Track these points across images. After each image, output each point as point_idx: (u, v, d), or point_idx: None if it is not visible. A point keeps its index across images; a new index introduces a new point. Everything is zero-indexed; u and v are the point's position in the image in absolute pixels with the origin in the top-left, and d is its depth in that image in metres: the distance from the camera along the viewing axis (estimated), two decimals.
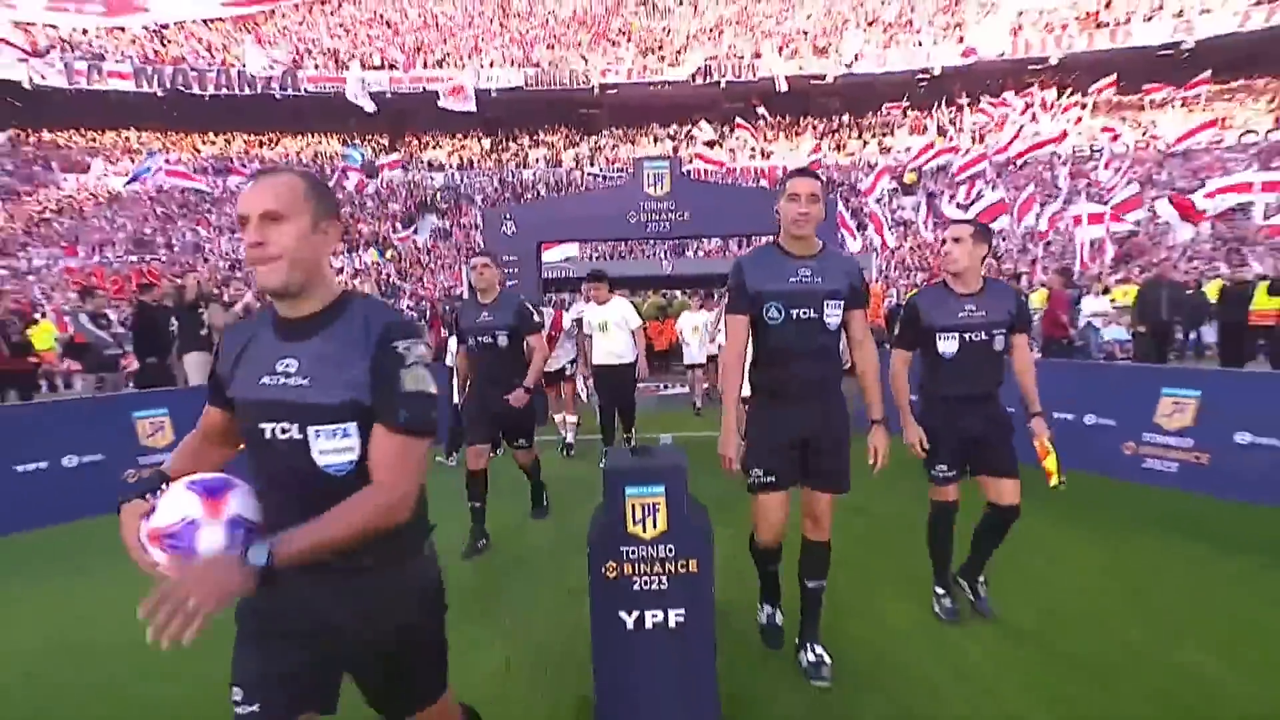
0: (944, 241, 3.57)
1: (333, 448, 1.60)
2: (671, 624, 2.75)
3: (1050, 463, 3.64)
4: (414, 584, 1.77)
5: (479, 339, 4.95)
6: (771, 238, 3.22)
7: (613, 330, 7.19)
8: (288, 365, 1.62)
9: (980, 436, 3.52)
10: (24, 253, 27.84)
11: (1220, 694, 2.95)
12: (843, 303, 3.02)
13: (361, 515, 1.53)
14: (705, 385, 11.18)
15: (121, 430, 6.51)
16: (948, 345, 3.51)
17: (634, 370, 7.39)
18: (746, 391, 3.37)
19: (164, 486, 1.68)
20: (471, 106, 34.01)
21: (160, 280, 11.98)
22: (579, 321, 7.92)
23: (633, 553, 2.71)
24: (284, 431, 1.60)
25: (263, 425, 1.62)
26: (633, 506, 2.69)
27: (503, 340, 4.92)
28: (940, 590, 3.73)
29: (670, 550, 2.71)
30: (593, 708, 2.83)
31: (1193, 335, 14.11)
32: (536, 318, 5.15)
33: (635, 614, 2.75)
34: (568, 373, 8.61)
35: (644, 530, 2.70)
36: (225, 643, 1.66)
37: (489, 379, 5.00)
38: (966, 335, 3.48)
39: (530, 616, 3.96)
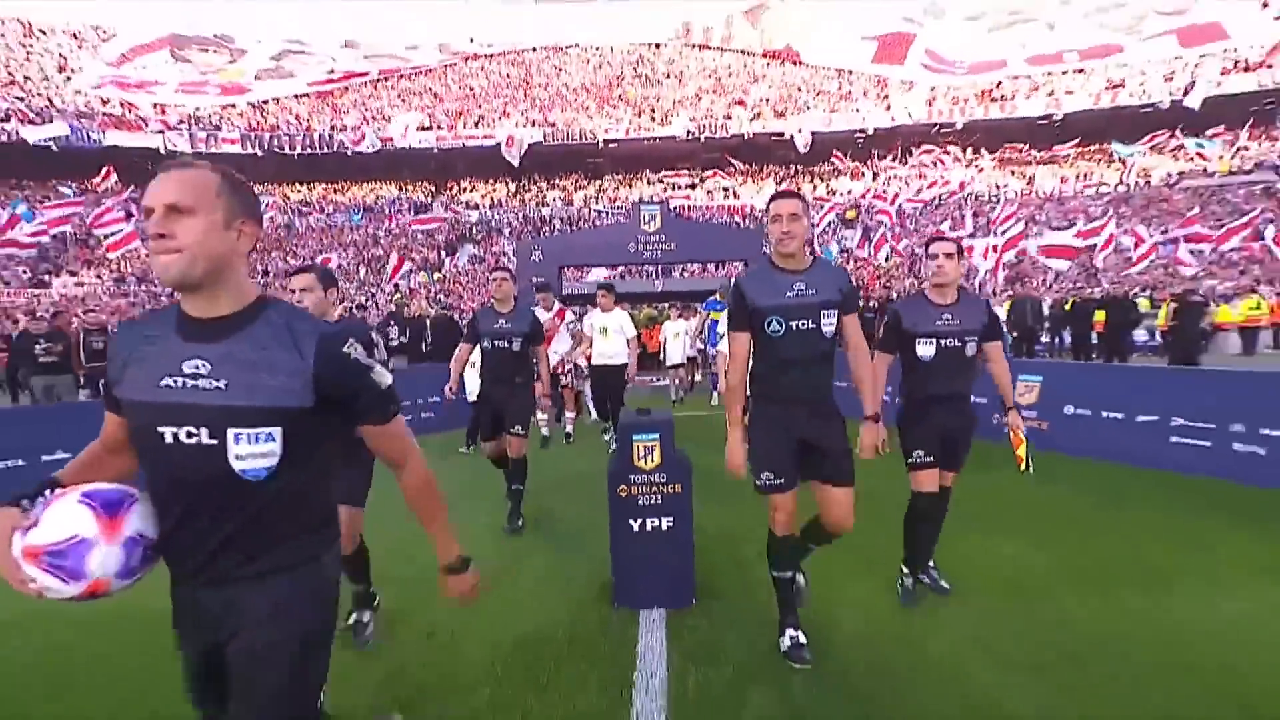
0: (935, 256, 3.19)
1: (252, 452, 1.24)
2: (664, 528, 3.26)
3: (1022, 450, 3.49)
4: (327, 579, 1.42)
5: (495, 342, 4.55)
6: (765, 257, 2.95)
7: (611, 335, 6.94)
8: (197, 366, 1.25)
9: (951, 432, 3.22)
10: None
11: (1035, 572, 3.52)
12: (837, 310, 2.67)
13: (430, 488, 1.47)
14: (679, 381, 10.91)
15: None
16: (925, 350, 3.20)
17: (625, 371, 7.06)
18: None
19: (48, 494, 1.25)
20: (517, 158, 34.98)
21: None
22: (579, 320, 7.75)
23: (637, 479, 3.24)
24: (190, 436, 1.23)
25: (161, 429, 1.24)
26: (638, 448, 3.22)
27: (516, 346, 4.55)
28: (905, 571, 3.38)
29: (663, 477, 3.23)
30: (610, 586, 3.34)
31: (1058, 339, 14.57)
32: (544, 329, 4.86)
33: (639, 521, 3.24)
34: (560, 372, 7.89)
35: (645, 464, 3.24)
36: None
37: (497, 379, 4.61)
38: (942, 341, 3.17)
39: (566, 534, 4.53)
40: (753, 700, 2.48)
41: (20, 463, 5.29)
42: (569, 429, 8.09)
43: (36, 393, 8.76)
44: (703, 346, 10.87)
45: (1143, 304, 15.15)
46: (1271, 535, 3.96)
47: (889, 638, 2.94)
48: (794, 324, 2.62)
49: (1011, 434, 3.40)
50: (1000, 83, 37.73)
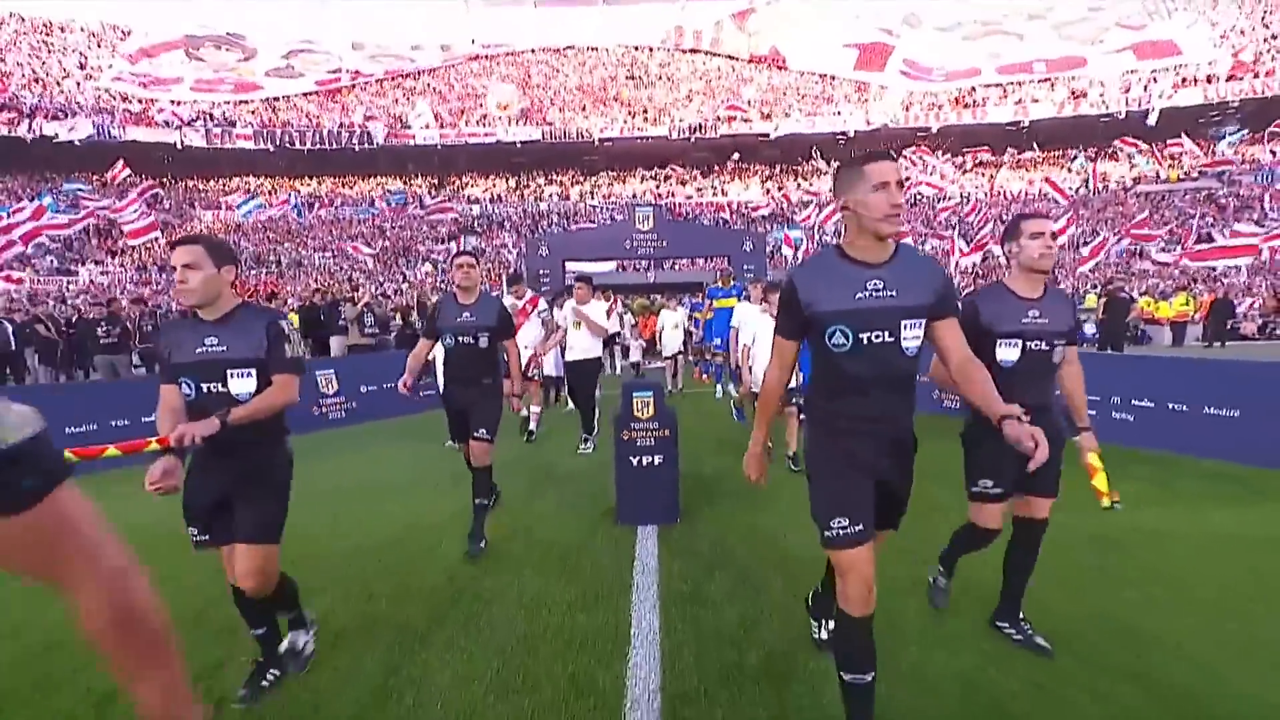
0: (1039, 236, 2.43)
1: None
2: (656, 463, 4.15)
3: (1100, 481, 2.57)
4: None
5: (458, 338, 3.75)
6: (832, 241, 2.25)
7: (584, 328, 6.33)
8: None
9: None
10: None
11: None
12: (923, 320, 1.91)
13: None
14: (676, 370, 10.65)
15: (308, 382, 7.80)
16: (1008, 353, 2.46)
17: (598, 365, 6.56)
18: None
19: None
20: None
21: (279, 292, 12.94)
22: (549, 311, 7.17)
23: (636, 426, 4.12)
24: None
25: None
26: (636, 401, 4.10)
27: (483, 341, 3.76)
28: (941, 569, 2.95)
29: (655, 424, 4.12)
30: (614, 511, 4.25)
31: None
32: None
33: (637, 459, 4.12)
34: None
35: (642, 415, 4.12)
36: None
37: (460, 378, 3.84)
38: (1029, 344, 2.45)
39: (572, 478, 5.44)
40: (717, 581, 3.37)
41: (94, 426, 6.09)
42: (534, 425, 7.21)
43: (101, 370, 9.55)
44: (691, 330, 10.85)
45: (1089, 301, 16.15)
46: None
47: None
48: (866, 336, 1.88)
49: (1086, 462, 2.60)
50: (973, 89, 38.70)
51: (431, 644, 2.73)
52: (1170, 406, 5.72)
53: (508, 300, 6.80)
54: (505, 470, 5.50)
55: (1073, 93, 36.35)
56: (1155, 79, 35.00)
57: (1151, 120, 32.04)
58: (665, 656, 2.59)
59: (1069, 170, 34.20)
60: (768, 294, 5.02)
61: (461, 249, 6.60)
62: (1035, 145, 35.08)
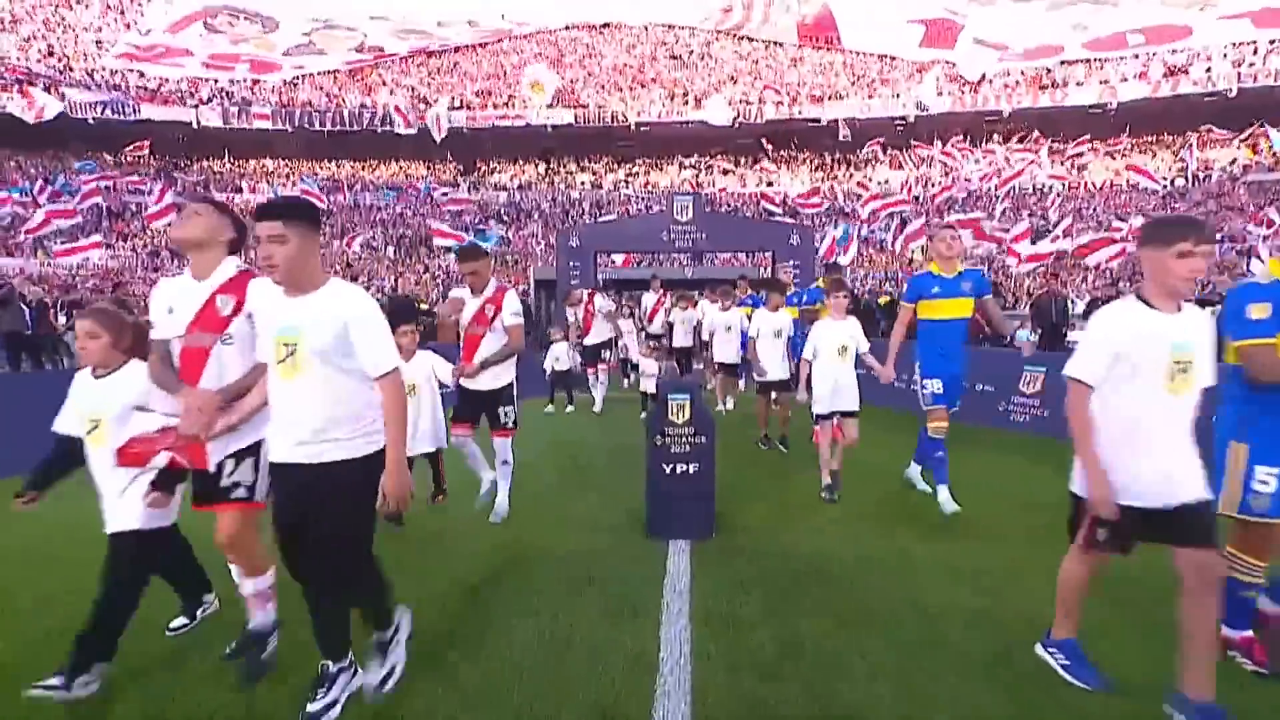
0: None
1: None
2: (690, 472, 4.14)
3: None
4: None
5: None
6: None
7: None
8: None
9: None
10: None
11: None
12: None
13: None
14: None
15: None
16: None
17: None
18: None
19: None
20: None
21: None
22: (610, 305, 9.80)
23: (670, 431, 4.11)
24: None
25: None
26: (672, 405, 4.08)
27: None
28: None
29: (691, 430, 4.10)
30: (645, 518, 4.23)
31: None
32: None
33: (671, 466, 4.11)
34: (603, 354, 9.72)
35: (678, 419, 4.10)
36: None
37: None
38: None
39: (609, 481, 5.45)
40: (753, 602, 3.33)
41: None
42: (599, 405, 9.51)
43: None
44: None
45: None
46: None
47: (872, 560, 3.78)
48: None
49: None
50: (1050, 69, 37.54)
51: (441, 663, 2.73)
52: None
53: (569, 314, 9.79)
54: (536, 466, 5.55)
55: (1170, 69, 34.90)
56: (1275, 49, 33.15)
57: None
58: (696, 687, 2.56)
59: (1171, 154, 32.62)
60: (832, 294, 5.16)
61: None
62: (1125, 130, 33.61)
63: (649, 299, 11.09)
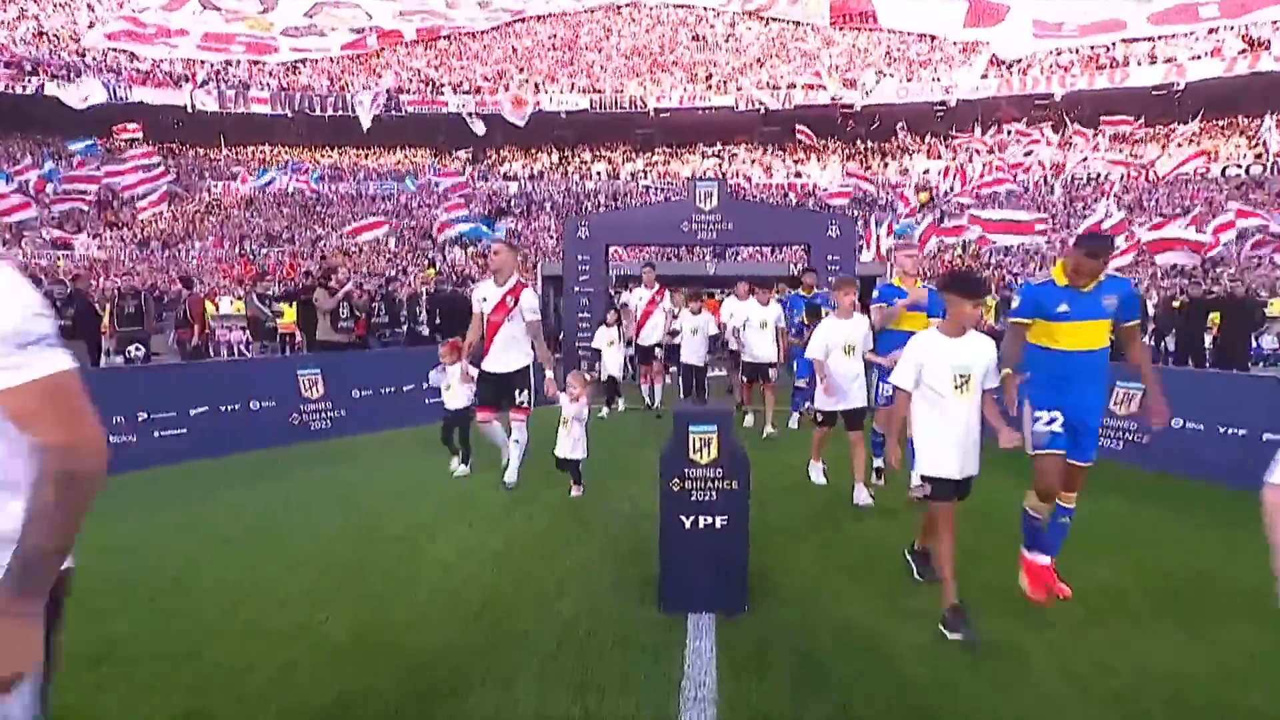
0: None
1: None
2: (717, 526, 3.33)
3: None
4: None
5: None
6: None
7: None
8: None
9: None
10: (183, 245, 29.40)
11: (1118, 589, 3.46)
12: None
13: None
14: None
15: (285, 385, 7.23)
16: None
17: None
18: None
19: None
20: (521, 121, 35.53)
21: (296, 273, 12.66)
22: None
23: (692, 472, 3.30)
24: None
25: None
26: (694, 440, 3.27)
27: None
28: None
29: (719, 472, 3.29)
30: (656, 584, 3.41)
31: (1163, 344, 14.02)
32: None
33: (691, 518, 3.30)
34: (658, 353, 8.92)
35: (701, 457, 3.29)
36: None
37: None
38: None
39: (611, 522, 4.60)
40: (807, 712, 2.52)
41: None
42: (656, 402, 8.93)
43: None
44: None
45: (1274, 306, 14.51)
46: None
47: (954, 650, 2.95)
48: None
49: None
50: (1110, 47, 35.87)
51: None
52: None
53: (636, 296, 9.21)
54: (528, 504, 4.77)
55: (1249, 43, 33.04)
56: None
57: None
58: None
59: (1246, 139, 30.98)
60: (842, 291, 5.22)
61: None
62: (1192, 114, 31.90)
63: (637, 299, 9.15)
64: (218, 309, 18.02)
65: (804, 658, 2.92)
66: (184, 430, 6.37)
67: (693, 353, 8.23)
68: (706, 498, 3.29)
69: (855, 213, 26.73)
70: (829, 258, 10.52)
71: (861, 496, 4.98)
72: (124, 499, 4.82)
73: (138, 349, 8.95)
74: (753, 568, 3.42)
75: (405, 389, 8.07)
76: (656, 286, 9.08)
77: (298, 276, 17.70)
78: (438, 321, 9.80)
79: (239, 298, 12.77)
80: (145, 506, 4.92)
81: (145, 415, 6.11)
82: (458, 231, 24.55)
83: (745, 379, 7.98)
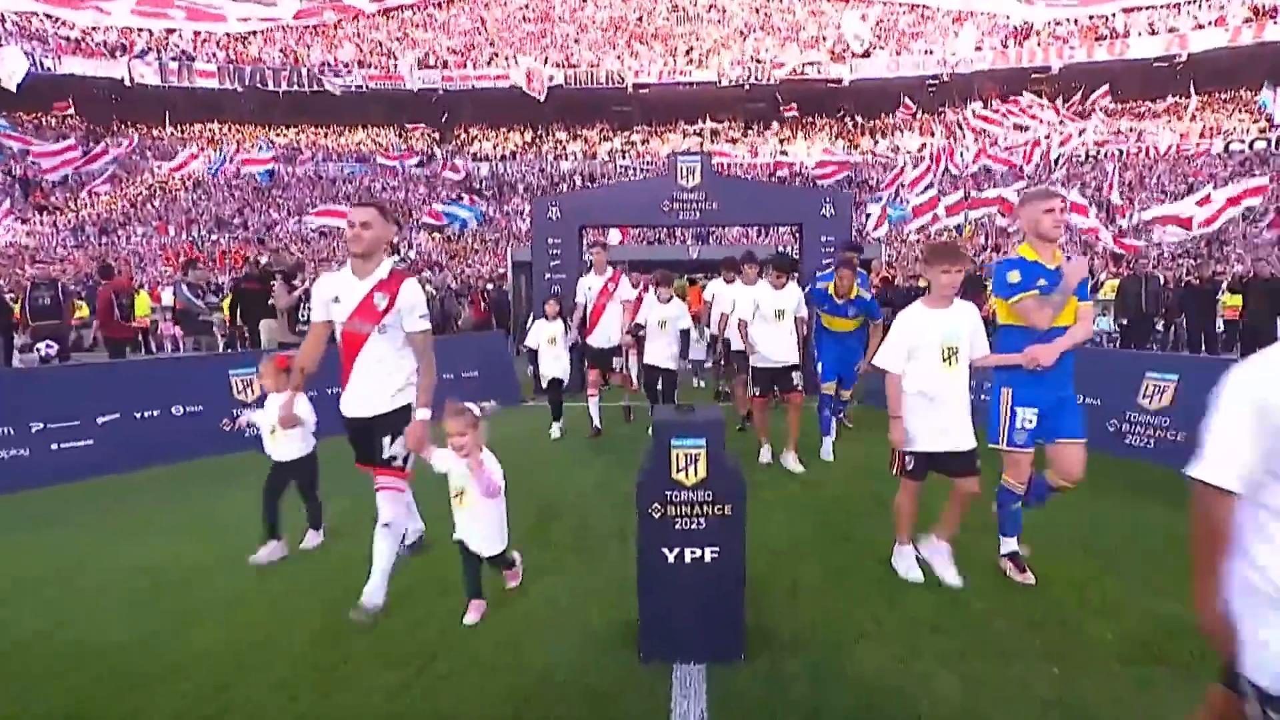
0: None
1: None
2: (707, 560, 2.87)
3: None
4: None
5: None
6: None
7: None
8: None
9: None
10: (123, 230, 28.37)
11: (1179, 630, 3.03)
12: None
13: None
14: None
15: (218, 388, 6.63)
16: None
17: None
18: None
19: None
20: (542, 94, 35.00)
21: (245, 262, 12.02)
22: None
23: (676, 496, 2.83)
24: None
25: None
26: (677, 456, 2.80)
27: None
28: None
29: (708, 495, 2.83)
30: (637, 630, 2.94)
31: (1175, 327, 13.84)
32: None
33: (675, 550, 2.85)
34: (616, 363, 7.42)
35: (686, 477, 2.81)
36: None
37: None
38: None
39: (583, 553, 4.11)
40: None
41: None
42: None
43: None
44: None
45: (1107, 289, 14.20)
46: None
47: (995, 709, 2.51)
48: None
49: None
50: (1110, 18, 35.72)
51: None
52: None
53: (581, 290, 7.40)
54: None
55: (1255, 10, 32.94)
56: None
57: None
58: None
59: (1250, 114, 30.97)
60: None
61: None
62: (1193, 87, 31.81)
63: (585, 288, 7.34)
64: (159, 301, 17.24)
65: (811, 714, 2.51)
66: (90, 441, 5.76)
67: (658, 352, 6.66)
68: (693, 526, 2.82)
69: (840, 187, 26.40)
70: (823, 238, 10.07)
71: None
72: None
73: (49, 346, 8.25)
74: (750, 608, 2.96)
75: None
76: (610, 271, 7.38)
77: (242, 265, 17.00)
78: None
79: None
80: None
81: (41, 425, 5.51)
82: (451, 217, 23.81)
83: (757, 391, 6.01)
